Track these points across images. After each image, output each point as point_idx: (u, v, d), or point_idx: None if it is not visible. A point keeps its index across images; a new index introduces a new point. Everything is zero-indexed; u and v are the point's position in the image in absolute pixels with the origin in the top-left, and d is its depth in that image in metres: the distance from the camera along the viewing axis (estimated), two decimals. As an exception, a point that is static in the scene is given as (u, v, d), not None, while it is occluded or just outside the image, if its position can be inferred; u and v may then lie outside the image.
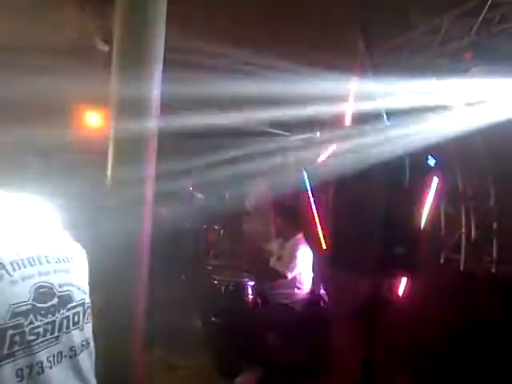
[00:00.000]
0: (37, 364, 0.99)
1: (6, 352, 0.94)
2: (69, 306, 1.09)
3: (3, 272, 0.98)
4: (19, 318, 0.97)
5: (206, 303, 4.24)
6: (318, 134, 6.64)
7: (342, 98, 5.20)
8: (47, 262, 1.08)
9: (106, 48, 5.96)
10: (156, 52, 2.92)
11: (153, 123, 2.99)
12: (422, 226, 2.64)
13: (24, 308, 0.98)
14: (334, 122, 5.91)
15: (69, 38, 5.82)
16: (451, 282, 4.03)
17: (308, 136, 6.84)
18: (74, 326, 1.10)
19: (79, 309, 1.12)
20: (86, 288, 1.19)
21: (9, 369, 0.95)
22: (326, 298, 4.25)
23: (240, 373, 3.85)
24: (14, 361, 0.96)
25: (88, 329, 1.16)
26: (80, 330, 1.12)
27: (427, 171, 2.72)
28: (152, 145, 3.01)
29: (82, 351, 1.11)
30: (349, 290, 3.74)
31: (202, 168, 6.49)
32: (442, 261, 4.30)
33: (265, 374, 3.87)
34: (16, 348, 0.96)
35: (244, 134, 6.59)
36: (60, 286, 1.08)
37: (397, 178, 2.42)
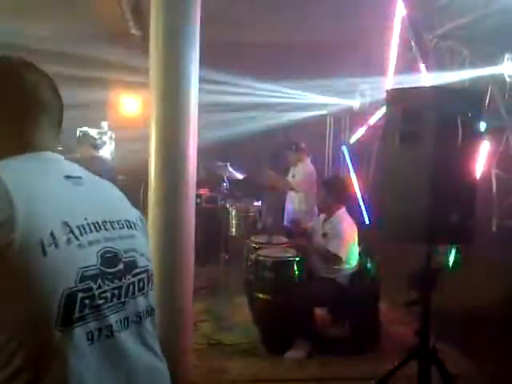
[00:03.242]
0: (106, 327, 1.00)
1: (77, 315, 0.95)
2: (134, 272, 1.09)
3: (71, 236, 0.97)
4: (88, 282, 0.97)
5: (251, 280, 4.23)
6: (357, 102, 6.47)
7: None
8: (112, 227, 1.08)
9: (139, 33, 6.00)
10: (191, 35, 2.88)
11: (193, 102, 2.96)
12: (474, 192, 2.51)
13: (92, 272, 0.98)
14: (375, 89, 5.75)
15: (105, 25, 5.87)
16: (505, 250, 3.87)
17: (346, 105, 6.70)
18: (139, 291, 1.10)
19: (143, 275, 1.12)
20: (149, 255, 1.19)
21: (80, 331, 0.96)
22: (373, 271, 4.18)
23: (289, 348, 3.85)
24: (84, 324, 0.96)
25: (152, 296, 1.16)
26: (145, 296, 1.12)
27: (478, 135, 2.57)
28: (193, 123, 2.99)
29: (146, 318, 1.12)
30: (398, 260, 3.66)
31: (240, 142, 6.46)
32: (494, 228, 4.15)
33: (313, 348, 3.86)
34: (86, 311, 0.97)
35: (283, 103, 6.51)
36: (125, 252, 1.07)
37: (448, 140, 2.29)
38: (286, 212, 5.64)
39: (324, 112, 7.34)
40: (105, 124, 7.86)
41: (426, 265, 2.55)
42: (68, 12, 5.50)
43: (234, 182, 6.27)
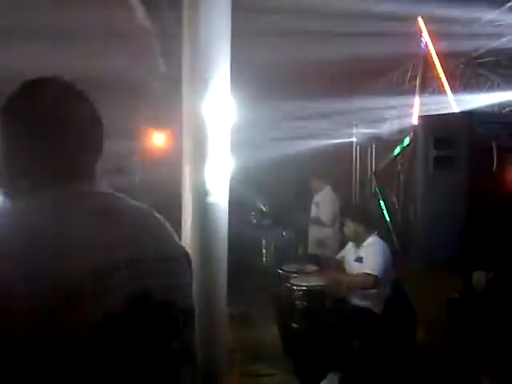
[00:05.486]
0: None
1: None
2: (167, 313, 0.98)
3: (96, 282, 0.87)
4: (114, 331, 0.88)
5: (283, 309, 4.20)
6: (384, 129, 6.48)
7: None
8: (146, 265, 0.97)
9: (164, 68, 6.17)
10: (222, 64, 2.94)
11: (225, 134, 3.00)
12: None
13: (119, 320, 0.89)
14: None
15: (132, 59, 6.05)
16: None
17: (373, 132, 6.71)
18: (172, 335, 0.99)
19: (179, 316, 1.01)
20: (189, 291, 1.09)
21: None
22: (408, 298, 4.10)
23: (321, 379, 3.78)
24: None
25: (189, 337, 1.05)
26: (179, 339, 1.01)
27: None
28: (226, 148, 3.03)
29: (181, 363, 1.01)
30: (433, 287, 3.59)
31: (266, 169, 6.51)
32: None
33: (347, 380, 3.78)
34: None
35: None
36: (158, 292, 0.97)
37: (483, 165, 2.28)
38: (310, 240, 5.61)
39: (350, 140, 7.38)
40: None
41: (464, 292, 2.51)
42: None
43: (261, 210, 6.30)
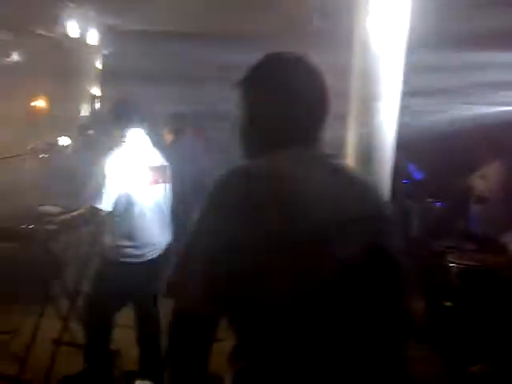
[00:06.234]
0: None
1: None
2: (389, 268, 1.12)
3: (327, 231, 1.01)
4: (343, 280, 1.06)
5: (435, 286, 3.99)
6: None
7: None
8: (367, 219, 1.09)
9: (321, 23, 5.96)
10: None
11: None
12: None
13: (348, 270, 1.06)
14: None
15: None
16: None
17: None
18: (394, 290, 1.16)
19: (397, 272, 1.17)
20: (398, 249, 1.19)
21: None
22: None
23: (471, 365, 3.53)
24: None
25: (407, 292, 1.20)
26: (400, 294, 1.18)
27: None
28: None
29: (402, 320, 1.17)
30: None
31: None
32: None
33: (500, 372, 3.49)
34: None
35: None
36: (379, 246, 1.09)
37: None
38: (471, 216, 5.18)
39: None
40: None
41: None
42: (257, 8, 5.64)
43: (414, 180, 5.98)
